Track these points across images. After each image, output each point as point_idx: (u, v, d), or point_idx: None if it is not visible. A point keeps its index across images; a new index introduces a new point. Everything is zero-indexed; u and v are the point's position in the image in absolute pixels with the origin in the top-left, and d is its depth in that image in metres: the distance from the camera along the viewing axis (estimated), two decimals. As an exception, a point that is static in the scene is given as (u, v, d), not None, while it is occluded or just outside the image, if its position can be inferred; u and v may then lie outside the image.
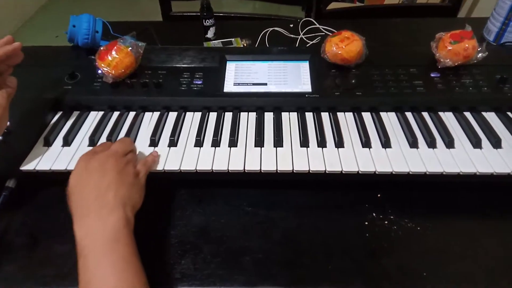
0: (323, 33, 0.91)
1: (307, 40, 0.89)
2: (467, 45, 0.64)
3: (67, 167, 0.55)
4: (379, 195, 0.57)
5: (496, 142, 0.58)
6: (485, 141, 0.58)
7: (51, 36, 0.86)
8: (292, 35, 0.91)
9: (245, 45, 0.87)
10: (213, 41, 0.87)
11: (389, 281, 0.48)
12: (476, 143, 0.57)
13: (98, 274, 0.40)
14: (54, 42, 0.81)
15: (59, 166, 0.56)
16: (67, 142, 0.59)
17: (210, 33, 0.88)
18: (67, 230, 0.52)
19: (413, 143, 0.57)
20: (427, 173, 0.54)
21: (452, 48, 0.65)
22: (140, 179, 0.51)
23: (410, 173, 0.54)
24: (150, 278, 0.47)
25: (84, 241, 0.42)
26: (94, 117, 0.64)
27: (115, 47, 0.65)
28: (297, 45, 0.89)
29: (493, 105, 0.64)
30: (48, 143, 0.59)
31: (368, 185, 0.57)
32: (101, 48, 0.66)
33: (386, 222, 0.54)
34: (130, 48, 0.66)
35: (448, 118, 0.63)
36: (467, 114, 0.63)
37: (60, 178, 0.57)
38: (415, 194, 0.57)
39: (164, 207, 0.56)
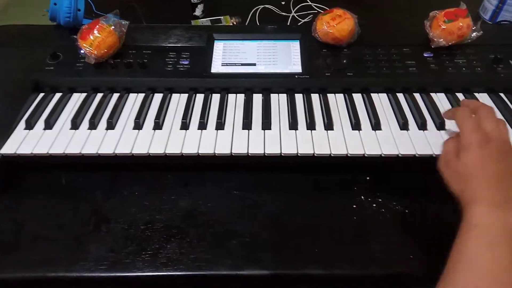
0: (316, 11, 0.88)
1: (299, 18, 0.87)
2: (461, 24, 0.63)
3: (49, 151, 0.54)
4: (368, 178, 0.56)
5: (487, 124, 0.57)
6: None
7: (38, 14, 0.83)
8: (283, 13, 0.88)
9: (234, 23, 0.84)
10: (201, 19, 0.84)
11: (376, 263, 0.48)
12: (467, 125, 0.56)
13: (484, 257, 0.38)
14: (42, 21, 0.78)
15: (41, 149, 0.54)
16: (49, 125, 0.57)
17: (198, 11, 0.85)
18: (52, 215, 0.52)
19: (404, 125, 0.56)
20: (417, 155, 0.53)
21: (446, 27, 0.63)
22: None
23: (400, 155, 0.53)
24: (134, 263, 0.47)
25: (481, 218, 0.39)
26: (76, 99, 0.62)
27: (97, 26, 0.63)
28: (288, 23, 0.86)
29: (486, 86, 0.63)
30: (29, 126, 0.57)
31: (357, 168, 0.57)
32: (83, 27, 0.64)
33: (374, 205, 0.53)
34: (113, 26, 0.64)
35: (440, 99, 0.62)
36: (460, 95, 0.62)
37: (43, 162, 0.56)
38: (405, 177, 0.56)
39: (150, 191, 0.55)
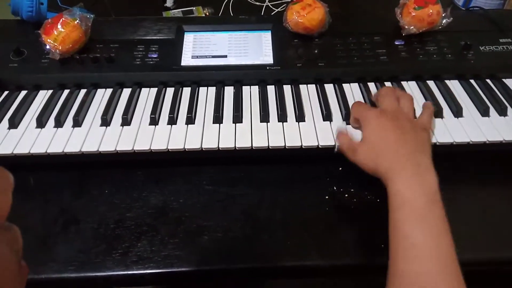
0: (289, 0, 0.87)
1: (272, 8, 0.86)
2: (431, 11, 0.62)
3: (14, 151, 0.52)
4: (340, 168, 0.56)
5: (457, 111, 0.57)
6: (446, 110, 0.58)
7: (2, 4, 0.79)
8: (257, 3, 0.87)
9: (207, 14, 0.82)
10: (173, 11, 0.82)
11: (348, 254, 0.48)
12: (437, 113, 0.57)
13: (416, 233, 0.39)
14: (5, 15, 0.74)
15: (5, 150, 0.52)
16: (13, 124, 0.56)
17: (169, 2, 0.83)
18: (18, 216, 0.50)
19: (374, 115, 0.56)
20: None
21: (416, 14, 0.63)
22: (427, 131, 0.49)
23: (371, 145, 0.53)
24: (104, 262, 0.46)
25: (405, 195, 0.41)
26: (42, 96, 0.60)
27: (61, 20, 0.60)
28: (262, 13, 0.85)
29: (456, 73, 0.63)
30: (-8, 126, 0.55)
31: (330, 159, 0.56)
32: (46, 22, 0.61)
33: (346, 195, 0.53)
34: (78, 20, 0.61)
35: (411, 87, 0.62)
36: (430, 83, 0.62)
37: (7, 162, 0.54)
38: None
39: (120, 189, 0.54)
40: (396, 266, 0.40)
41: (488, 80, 0.63)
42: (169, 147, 0.52)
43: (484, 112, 0.57)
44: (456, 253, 0.39)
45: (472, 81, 0.63)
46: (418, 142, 0.45)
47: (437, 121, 0.56)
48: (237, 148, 0.53)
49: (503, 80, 0.63)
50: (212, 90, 0.61)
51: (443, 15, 0.64)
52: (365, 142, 0.47)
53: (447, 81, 0.63)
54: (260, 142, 0.53)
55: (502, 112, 0.57)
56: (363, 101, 0.59)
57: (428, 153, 0.45)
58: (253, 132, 0.54)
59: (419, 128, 0.47)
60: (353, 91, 0.61)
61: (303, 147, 0.53)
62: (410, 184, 0.41)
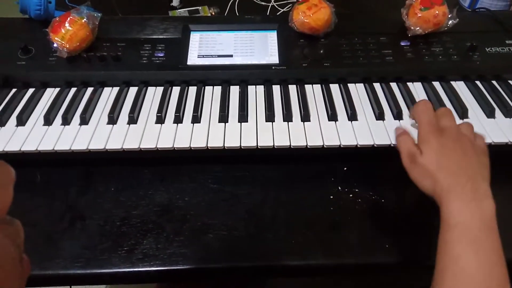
0: (295, 0, 0.87)
1: (278, 8, 0.86)
2: (437, 12, 0.62)
3: (22, 148, 0.53)
4: (345, 168, 0.56)
5: (462, 112, 0.57)
6: (452, 111, 0.57)
7: (8, 6, 0.80)
8: (263, 3, 0.87)
9: (213, 14, 0.83)
10: (179, 10, 0.83)
11: (351, 253, 0.48)
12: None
13: (468, 256, 0.37)
14: (13, 13, 0.75)
15: (13, 147, 0.53)
16: (21, 121, 0.56)
17: (175, 1, 0.83)
18: (25, 212, 0.51)
19: (380, 115, 0.56)
20: (392, 145, 0.53)
21: (422, 15, 0.63)
22: (487, 155, 0.45)
23: (375, 145, 0.53)
24: (110, 259, 0.47)
25: (460, 216, 0.39)
26: (50, 94, 0.61)
27: (68, 19, 0.61)
28: (268, 13, 0.85)
29: (462, 74, 0.63)
30: (1, 123, 0.56)
31: (334, 158, 0.57)
32: (54, 20, 0.62)
33: (351, 195, 0.53)
34: (85, 19, 0.62)
35: (416, 88, 0.62)
36: (436, 84, 0.62)
37: (15, 159, 0.55)
38: (381, 166, 0.56)
39: (126, 187, 0.54)
40: None
41: (493, 82, 0.63)
42: (175, 146, 0.53)
43: (490, 114, 0.57)
44: None
45: (477, 82, 0.63)
46: (480, 166, 0.43)
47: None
48: (242, 147, 0.53)
49: (509, 81, 0.63)
50: (218, 89, 0.62)
51: (449, 16, 0.64)
52: (424, 157, 0.43)
53: (452, 82, 0.63)
54: (265, 141, 0.53)
55: (508, 113, 0.57)
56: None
57: (487, 178, 0.43)
58: (258, 132, 0.55)
59: (480, 152, 0.45)
60: (358, 91, 0.61)
61: (308, 146, 0.53)
62: (467, 207, 0.39)
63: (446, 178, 0.41)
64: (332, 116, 0.57)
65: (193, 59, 0.64)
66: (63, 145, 0.53)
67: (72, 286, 0.56)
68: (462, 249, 0.38)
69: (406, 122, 0.56)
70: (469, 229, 0.38)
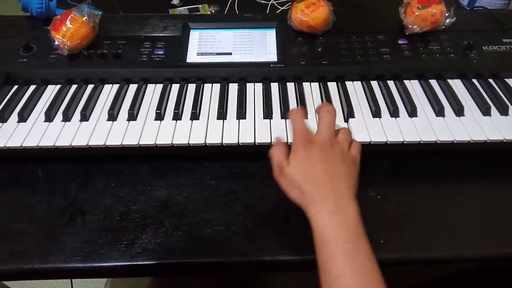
0: (295, -2, 0.87)
1: (278, 6, 0.86)
2: (434, 10, 0.63)
3: (23, 144, 0.54)
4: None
5: (459, 110, 0.58)
6: (448, 109, 0.58)
7: (10, 4, 0.80)
8: (262, 1, 0.88)
9: (213, 12, 0.83)
10: (179, 8, 0.84)
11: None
12: (439, 111, 0.57)
13: (346, 274, 0.38)
14: (15, 11, 0.76)
15: (15, 143, 0.54)
16: (22, 117, 0.57)
17: (175, 0, 0.84)
18: (26, 207, 0.52)
19: (376, 113, 0.57)
20: (388, 142, 0.54)
21: (419, 13, 0.63)
22: (357, 165, 0.46)
23: (371, 142, 0.54)
24: (109, 253, 0.48)
25: (329, 230, 0.40)
26: (51, 91, 0.62)
27: (69, 17, 0.62)
28: (267, 11, 0.86)
29: (459, 72, 0.64)
30: (2, 119, 0.57)
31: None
32: (55, 18, 0.63)
33: (347, 191, 0.54)
34: (86, 17, 0.63)
35: (413, 86, 0.62)
36: (433, 82, 0.63)
37: (17, 155, 0.56)
38: (377, 163, 0.57)
39: (125, 182, 0.55)
40: None
41: (490, 80, 0.63)
42: (174, 142, 0.53)
43: (486, 111, 0.57)
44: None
45: (474, 80, 0.63)
46: (347, 176, 0.43)
47: (438, 119, 0.57)
48: (240, 144, 0.54)
49: (506, 79, 0.63)
50: (217, 86, 0.62)
51: (447, 14, 0.65)
52: (291, 168, 0.43)
53: (449, 80, 0.63)
54: (263, 138, 0.54)
55: (504, 111, 0.58)
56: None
57: (353, 187, 0.43)
58: (256, 129, 0.55)
59: (350, 161, 0.45)
60: (356, 89, 0.62)
61: (305, 143, 0.54)
62: (332, 219, 0.40)
63: (311, 190, 0.41)
64: (329, 113, 0.57)
65: (192, 57, 0.65)
66: (63, 141, 0.54)
67: (72, 279, 0.57)
68: (338, 268, 0.38)
69: (402, 119, 0.57)
70: (340, 244, 0.39)
